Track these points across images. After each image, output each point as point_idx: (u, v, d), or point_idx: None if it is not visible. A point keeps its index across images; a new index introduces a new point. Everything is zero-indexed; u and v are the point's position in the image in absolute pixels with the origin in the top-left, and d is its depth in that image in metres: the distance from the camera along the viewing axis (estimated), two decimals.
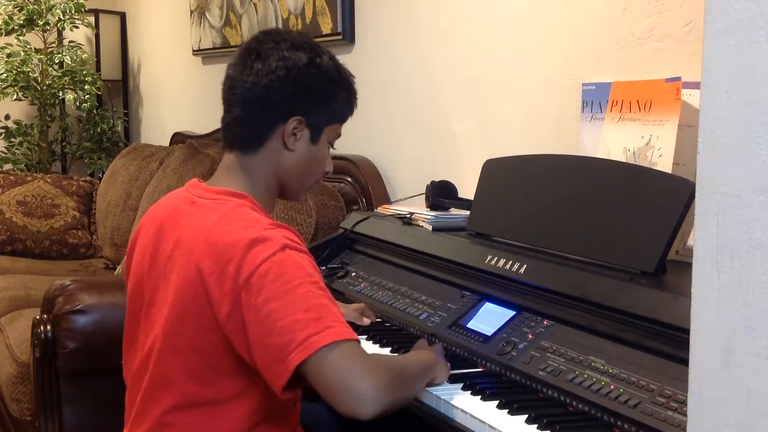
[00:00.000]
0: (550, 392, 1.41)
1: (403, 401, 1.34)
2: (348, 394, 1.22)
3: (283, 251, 1.30)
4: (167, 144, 4.40)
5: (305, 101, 1.47)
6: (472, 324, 1.67)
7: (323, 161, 1.54)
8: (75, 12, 4.80)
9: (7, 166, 4.81)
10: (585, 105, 1.91)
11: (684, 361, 0.92)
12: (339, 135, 1.57)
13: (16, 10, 4.74)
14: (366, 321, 1.83)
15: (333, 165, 1.60)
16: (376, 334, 1.77)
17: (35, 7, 4.76)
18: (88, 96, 4.83)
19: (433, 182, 2.23)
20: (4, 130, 4.87)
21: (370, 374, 1.23)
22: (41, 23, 4.77)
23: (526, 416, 1.31)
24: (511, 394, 1.41)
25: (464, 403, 1.39)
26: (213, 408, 1.38)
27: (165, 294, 1.40)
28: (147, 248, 1.48)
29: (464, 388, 1.44)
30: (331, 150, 1.59)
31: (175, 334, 1.38)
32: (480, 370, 1.56)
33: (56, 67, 4.88)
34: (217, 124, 1.62)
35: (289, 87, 1.45)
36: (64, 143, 5.18)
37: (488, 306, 1.69)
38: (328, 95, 1.50)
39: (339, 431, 1.78)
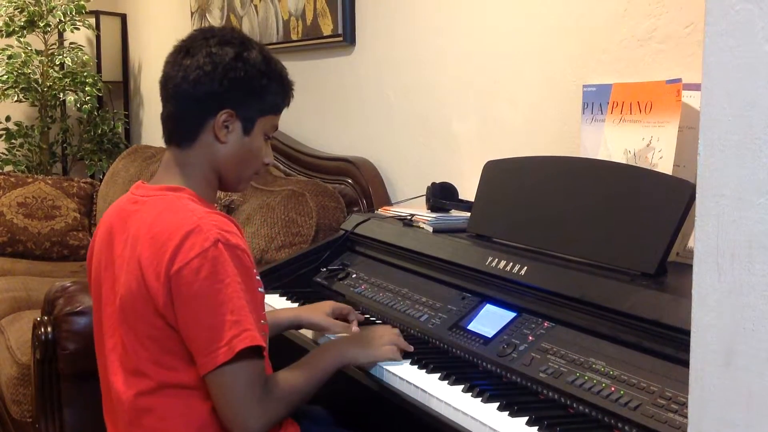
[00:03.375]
0: (550, 394, 1.41)
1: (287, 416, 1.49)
2: (233, 419, 1.38)
3: (216, 247, 1.37)
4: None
5: (234, 94, 1.50)
6: (473, 326, 1.67)
7: (259, 152, 1.57)
8: (76, 13, 4.81)
9: (8, 168, 4.82)
10: (585, 106, 1.91)
11: (685, 363, 0.92)
12: (276, 127, 1.60)
13: (17, 12, 4.74)
14: (356, 329, 1.77)
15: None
16: None
17: (36, 8, 4.76)
18: (88, 97, 4.83)
19: (433, 184, 2.23)
20: (4, 132, 4.87)
21: (260, 411, 1.38)
22: (42, 25, 4.77)
23: (526, 418, 1.31)
24: (511, 396, 1.40)
25: (465, 405, 1.38)
26: (189, 392, 1.43)
27: (117, 290, 1.46)
28: (101, 253, 1.54)
29: (465, 390, 1.44)
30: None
31: (130, 326, 1.44)
32: (480, 372, 1.56)
33: (57, 68, 4.89)
34: None
35: (216, 81, 1.49)
36: (64, 145, 5.18)
37: (489, 308, 1.69)
38: (258, 88, 1.53)
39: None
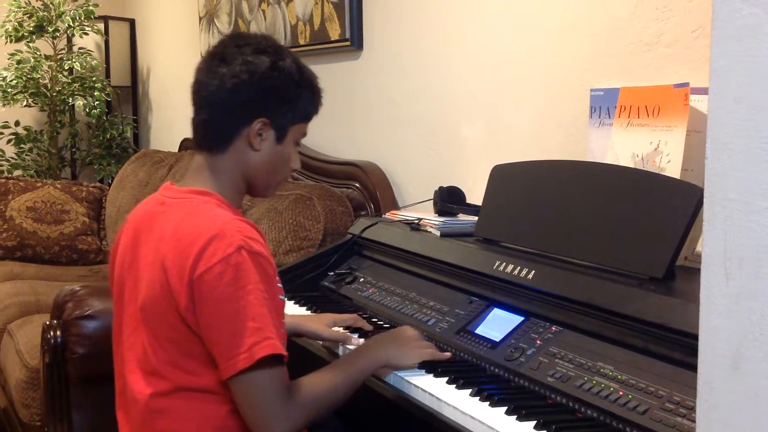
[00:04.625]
0: (558, 398, 1.41)
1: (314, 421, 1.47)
2: (256, 424, 1.39)
3: (239, 253, 1.38)
4: (176, 150, 4.41)
5: (269, 103, 1.52)
6: (481, 330, 1.67)
7: (289, 159, 1.59)
8: (85, 19, 4.83)
9: (17, 172, 4.84)
10: (593, 110, 1.91)
11: (693, 367, 0.92)
12: (305, 134, 1.62)
13: (26, 17, 4.77)
14: (355, 341, 1.76)
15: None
16: None
17: (45, 14, 4.78)
18: (97, 102, 4.85)
19: (441, 188, 2.23)
20: (14, 137, 4.89)
21: (283, 416, 1.38)
22: (51, 30, 4.79)
23: (534, 422, 1.31)
24: (519, 401, 1.40)
25: (473, 409, 1.38)
26: (205, 395, 1.44)
27: (140, 290, 1.48)
28: (126, 252, 1.55)
29: (473, 395, 1.44)
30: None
31: (151, 327, 1.45)
32: (488, 376, 1.56)
33: (66, 73, 4.91)
34: None
35: (253, 90, 1.50)
36: (73, 149, 5.20)
37: (496, 312, 1.69)
38: (292, 96, 1.54)
39: None
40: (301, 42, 3.29)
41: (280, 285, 1.50)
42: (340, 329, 1.82)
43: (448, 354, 1.61)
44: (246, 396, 1.39)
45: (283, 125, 1.54)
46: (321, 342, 1.84)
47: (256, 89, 1.50)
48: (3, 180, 4.10)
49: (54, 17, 4.80)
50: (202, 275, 1.37)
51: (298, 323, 1.83)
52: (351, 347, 1.73)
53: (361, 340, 1.76)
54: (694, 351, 0.89)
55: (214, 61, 1.53)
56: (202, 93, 1.53)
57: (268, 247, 1.49)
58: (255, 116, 1.50)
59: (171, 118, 5.02)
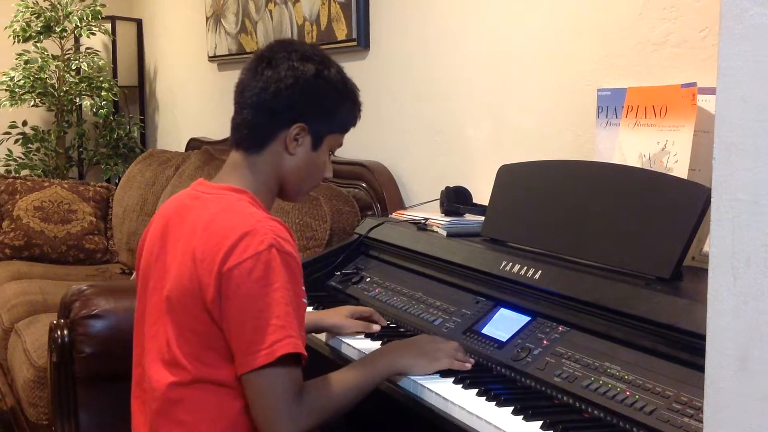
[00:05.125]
0: (565, 398, 1.41)
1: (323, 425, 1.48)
2: (265, 422, 1.40)
3: (269, 251, 1.39)
4: (183, 150, 4.42)
5: (309, 110, 1.54)
6: (487, 330, 1.67)
7: (323, 167, 1.61)
8: (92, 19, 4.84)
9: (25, 172, 4.85)
10: (600, 110, 1.91)
11: (700, 368, 0.92)
12: (340, 144, 1.64)
13: (33, 17, 4.78)
14: (376, 328, 1.83)
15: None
16: (389, 340, 1.77)
17: (53, 14, 4.80)
18: (104, 102, 4.86)
19: (447, 188, 2.23)
20: (21, 136, 4.91)
21: (292, 417, 1.39)
22: (58, 30, 4.81)
23: (541, 422, 1.31)
24: (526, 400, 1.40)
25: (479, 409, 1.38)
26: (223, 389, 1.44)
27: (167, 280, 1.49)
28: (154, 243, 1.56)
29: (479, 394, 1.44)
30: (335, 156, 1.63)
31: (175, 317, 1.46)
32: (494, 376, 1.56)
33: (73, 73, 4.92)
34: None
35: (295, 96, 1.53)
36: (80, 149, 5.22)
37: (503, 312, 1.69)
38: (333, 106, 1.57)
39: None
40: (308, 42, 3.29)
41: (303, 288, 1.50)
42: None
43: (467, 365, 1.56)
44: (259, 393, 1.39)
45: (320, 133, 1.56)
46: (325, 341, 1.85)
47: (299, 95, 1.52)
48: (10, 179, 4.12)
49: (61, 17, 4.82)
50: (231, 269, 1.39)
51: (320, 318, 1.86)
52: (363, 350, 1.73)
53: (378, 327, 1.82)
54: (701, 351, 0.89)
55: (261, 63, 1.55)
56: (246, 93, 1.55)
57: (297, 248, 1.50)
58: (294, 121, 1.53)
59: (178, 117, 5.03)
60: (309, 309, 2.01)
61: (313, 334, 1.88)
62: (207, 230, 1.45)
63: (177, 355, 1.45)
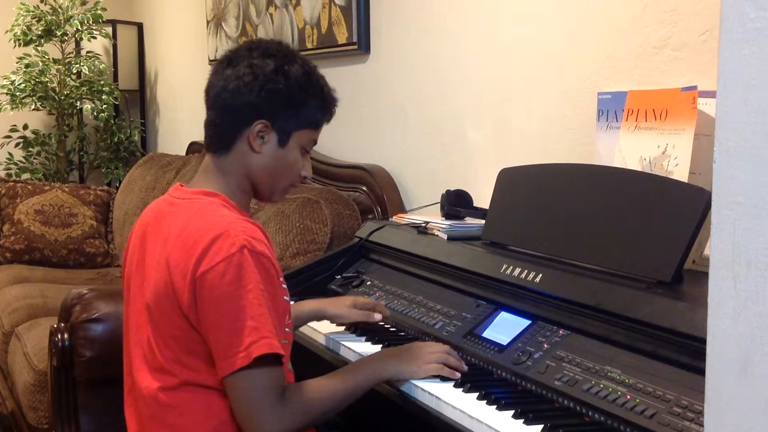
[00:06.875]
0: (566, 402, 1.40)
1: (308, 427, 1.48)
2: (248, 423, 1.41)
3: (241, 253, 1.39)
4: (184, 153, 4.42)
5: (271, 106, 1.52)
6: (488, 333, 1.67)
7: (294, 165, 1.58)
8: (93, 23, 4.85)
9: (25, 176, 4.86)
10: (601, 114, 1.91)
11: (701, 371, 0.91)
12: (314, 141, 1.62)
13: (34, 21, 4.79)
14: (377, 317, 1.83)
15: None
16: (390, 343, 1.77)
17: (53, 18, 4.81)
18: (105, 106, 4.87)
19: (448, 191, 2.23)
20: (22, 140, 4.91)
21: (275, 417, 1.39)
22: (59, 34, 4.81)
23: (541, 426, 1.31)
24: (526, 404, 1.40)
25: (480, 412, 1.38)
26: (211, 391, 1.45)
27: (146, 288, 1.50)
28: (134, 251, 1.58)
29: (480, 398, 1.44)
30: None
31: (155, 324, 1.47)
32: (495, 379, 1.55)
33: (74, 77, 4.93)
34: None
35: (254, 92, 1.51)
36: (81, 153, 5.22)
37: (504, 315, 1.69)
38: (296, 102, 1.54)
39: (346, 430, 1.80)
40: (309, 46, 3.30)
41: (284, 287, 1.51)
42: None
43: (457, 374, 1.54)
44: (240, 394, 1.39)
45: (286, 129, 1.54)
46: (324, 343, 1.85)
47: (258, 91, 1.51)
48: (11, 183, 4.12)
49: (62, 21, 4.82)
50: (204, 274, 1.39)
51: (323, 308, 1.86)
52: (365, 353, 1.74)
53: (379, 317, 1.82)
54: (702, 355, 0.88)
55: (223, 63, 1.56)
56: (210, 94, 1.56)
57: (274, 248, 1.49)
58: (255, 118, 1.52)
59: (178, 121, 5.03)
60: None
61: (313, 334, 1.88)
62: (180, 236, 1.45)
63: (161, 361, 1.46)
